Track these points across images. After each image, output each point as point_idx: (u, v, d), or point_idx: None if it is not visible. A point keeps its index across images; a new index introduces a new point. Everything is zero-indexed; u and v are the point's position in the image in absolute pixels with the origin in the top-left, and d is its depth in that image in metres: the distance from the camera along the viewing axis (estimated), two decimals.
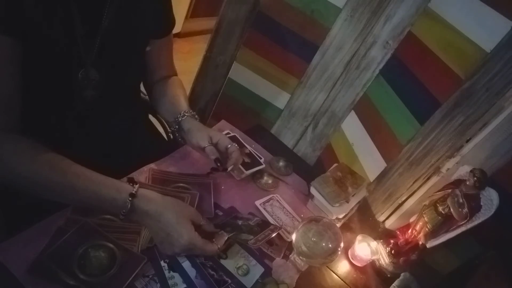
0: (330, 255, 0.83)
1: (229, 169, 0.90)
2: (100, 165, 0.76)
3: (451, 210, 0.86)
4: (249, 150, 1.08)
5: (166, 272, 0.74)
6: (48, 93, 0.78)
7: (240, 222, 0.85)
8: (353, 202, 1.04)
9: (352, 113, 1.31)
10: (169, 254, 0.74)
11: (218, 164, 0.88)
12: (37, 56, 0.73)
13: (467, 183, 0.84)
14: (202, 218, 0.77)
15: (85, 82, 0.79)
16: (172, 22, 0.98)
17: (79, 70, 0.78)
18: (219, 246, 0.76)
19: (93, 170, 0.74)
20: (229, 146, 0.90)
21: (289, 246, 0.91)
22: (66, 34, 0.73)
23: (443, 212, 0.88)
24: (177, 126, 0.93)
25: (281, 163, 1.16)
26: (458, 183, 0.88)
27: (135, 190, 0.71)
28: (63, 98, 0.80)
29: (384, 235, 1.07)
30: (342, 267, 0.96)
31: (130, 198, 0.70)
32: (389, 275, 0.97)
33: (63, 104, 0.81)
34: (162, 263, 0.75)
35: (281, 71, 1.42)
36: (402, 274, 0.92)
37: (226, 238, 0.78)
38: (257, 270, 0.81)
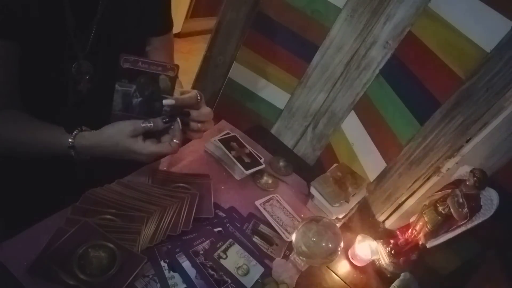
0: (330, 255, 0.83)
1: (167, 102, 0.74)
2: (98, 164, 0.76)
3: (451, 210, 0.86)
4: (249, 150, 1.09)
5: (166, 272, 0.74)
6: (42, 85, 0.78)
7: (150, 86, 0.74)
8: (353, 202, 1.04)
9: (352, 113, 1.31)
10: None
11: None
12: (30, 49, 0.73)
13: (467, 183, 0.84)
14: (143, 123, 0.72)
15: (79, 75, 0.80)
16: (170, 22, 0.98)
17: (72, 63, 0.78)
18: (177, 140, 0.75)
19: (88, 169, 0.75)
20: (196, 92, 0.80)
21: (289, 246, 0.91)
22: (57, 26, 0.74)
23: (443, 212, 0.88)
24: None
25: (281, 163, 1.16)
26: (458, 183, 0.88)
27: (71, 141, 0.73)
28: (57, 91, 0.80)
29: (384, 235, 1.07)
30: (342, 267, 0.96)
31: (72, 151, 0.74)
32: (389, 275, 0.97)
33: (58, 98, 0.81)
34: (162, 263, 0.75)
35: (281, 71, 1.42)
36: (402, 274, 0.92)
37: (179, 124, 0.75)
38: (257, 270, 0.82)
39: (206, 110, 0.81)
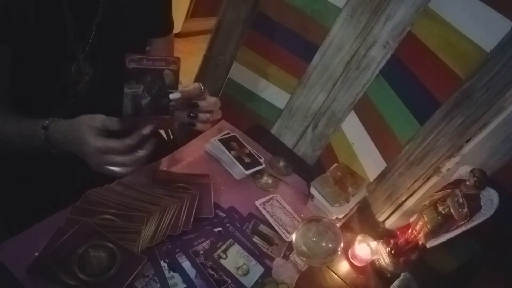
0: (330, 255, 0.83)
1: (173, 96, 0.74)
2: None
3: (451, 210, 0.86)
4: (249, 150, 1.08)
5: (166, 272, 0.74)
6: (41, 86, 0.78)
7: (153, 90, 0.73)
8: (353, 202, 1.04)
9: (352, 113, 1.31)
10: (96, 170, 0.70)
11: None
12: (29, 50, 0.73)
13: (467, 183, 0.84)
14: (109, 121, 0.70)
15: (78, 76, 0.80)
16: (170, 23, 0.98)
17: (71, 64, 0.78)
18: (131, 140, 0.69)
19: (88, 169, 0.74)
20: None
21: (289, 246, 0.91)
22: (56, 27, 0.74)
23: (443, 212, 0.88)
24: None
25: (281, 163, 1.16)
26: (458, 183, 0.88)
27: (47, 122, 0.72)
28: (57, 92, 0.80)
29: (384, 235, 1.07)
30: (342, 267, 0.96)
31: (43, 132, 0.72)
32: (389, 275, 0.97)
33: (57, 98, 0.81)
34: (162, 263, 0.75)
35: (281, 71, 1.42)
36: (402, 274, 0.92)
37: (150, 128, 0.71)
38: (257, 270, 0.82)
39: (213, 99, 0.80)
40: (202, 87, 0.78)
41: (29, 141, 0.74)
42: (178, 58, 0.73)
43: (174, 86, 0.74)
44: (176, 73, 0.73)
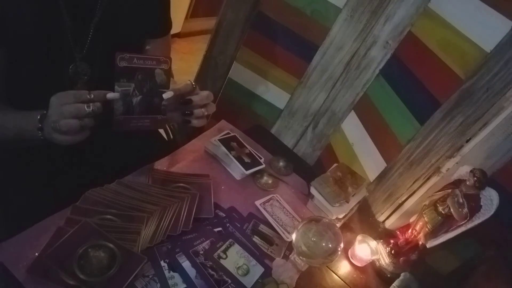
0: (330, 255, 0.83)
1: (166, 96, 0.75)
2: (98, 165, 0.76)
3: (451, 210, 0.86)
4: (249, 150, 1.08)
5: (166, 272, 0.74)
6: (38, 87, 0.78)
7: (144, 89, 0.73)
8: (353, 202, 1.04)
9: (352, 113, 1.31)
10: (49, 135, 0.69)
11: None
12: (26, 51, 0.73)
13: (467, 183, 0.84)
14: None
15: (76, 77, 0.79)
16: (168, 24, 0.97)
17: (69, 65, 0.78)
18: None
19: (88, 169, 0.73)
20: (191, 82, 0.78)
21: (289, 246, 0.91)
22: (54, 29, 0.73)
23: (443, 212, 0.88)
24: None
25: (281, 163, 1.16)
26: (458, 183, 0.88)
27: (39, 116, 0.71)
28: (54, 92, 0.80)
29: (384, 235, 1.07)
30: (342, 267, 0.96)
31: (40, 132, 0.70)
32: (389, 275, 0.97)
33: None
34: (162, 263, 0.75)
35: (281, 71, 1.42)
36: (402, 274, 0.92)
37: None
38: (257, 270, 0.82)
39: (205, 93, 0.80)
40: (193, 84, 0.78)
41: (22, 124, 0.72)
42: (170, 59, 0.73)
43: (165, 86, 0.74)
44: (167, 73, 0.73)
